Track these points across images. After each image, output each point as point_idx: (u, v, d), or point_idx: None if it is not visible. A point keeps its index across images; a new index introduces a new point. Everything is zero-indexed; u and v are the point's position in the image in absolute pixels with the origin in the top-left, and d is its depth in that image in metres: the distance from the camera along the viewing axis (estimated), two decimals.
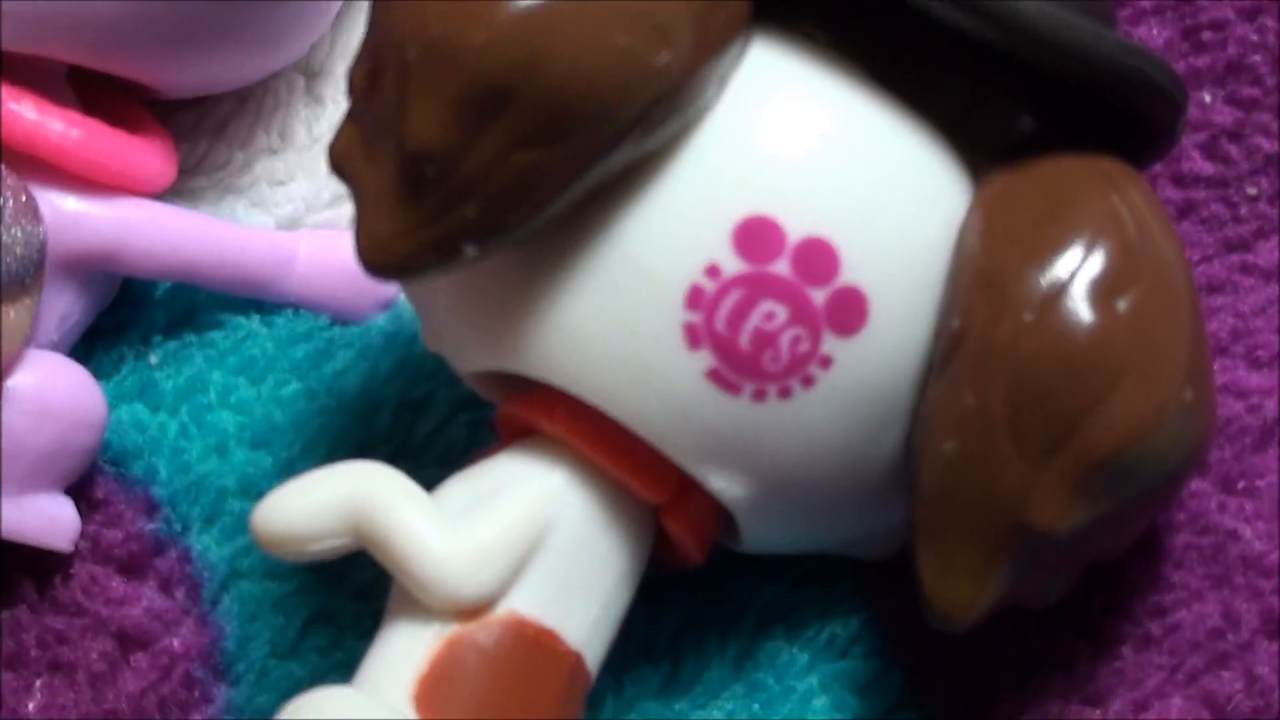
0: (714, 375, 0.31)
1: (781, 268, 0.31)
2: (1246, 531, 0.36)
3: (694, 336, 0.31)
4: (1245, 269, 0.37)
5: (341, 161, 0.31)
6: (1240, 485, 0.36)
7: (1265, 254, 0.38)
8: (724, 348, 0.31)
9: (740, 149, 0.31)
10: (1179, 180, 0.37)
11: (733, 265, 0.31)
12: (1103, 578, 0.36)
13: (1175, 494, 0.34)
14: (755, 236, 0.31)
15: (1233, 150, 0.38)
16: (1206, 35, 0.38)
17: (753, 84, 0.32)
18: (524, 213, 0.30)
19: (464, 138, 0.30)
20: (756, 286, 0.31)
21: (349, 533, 0.31)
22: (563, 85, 0.29)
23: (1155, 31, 0.39)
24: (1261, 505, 0.36)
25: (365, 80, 0.31)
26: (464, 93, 0.29)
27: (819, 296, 0.31)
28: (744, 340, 0.31)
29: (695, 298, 0.31)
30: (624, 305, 0.31)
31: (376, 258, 0.31)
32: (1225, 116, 0.38)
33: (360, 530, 0.31)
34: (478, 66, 0.29)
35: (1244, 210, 0.38)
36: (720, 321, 0.31)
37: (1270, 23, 0.38)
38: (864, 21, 0.32)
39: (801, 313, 0.31)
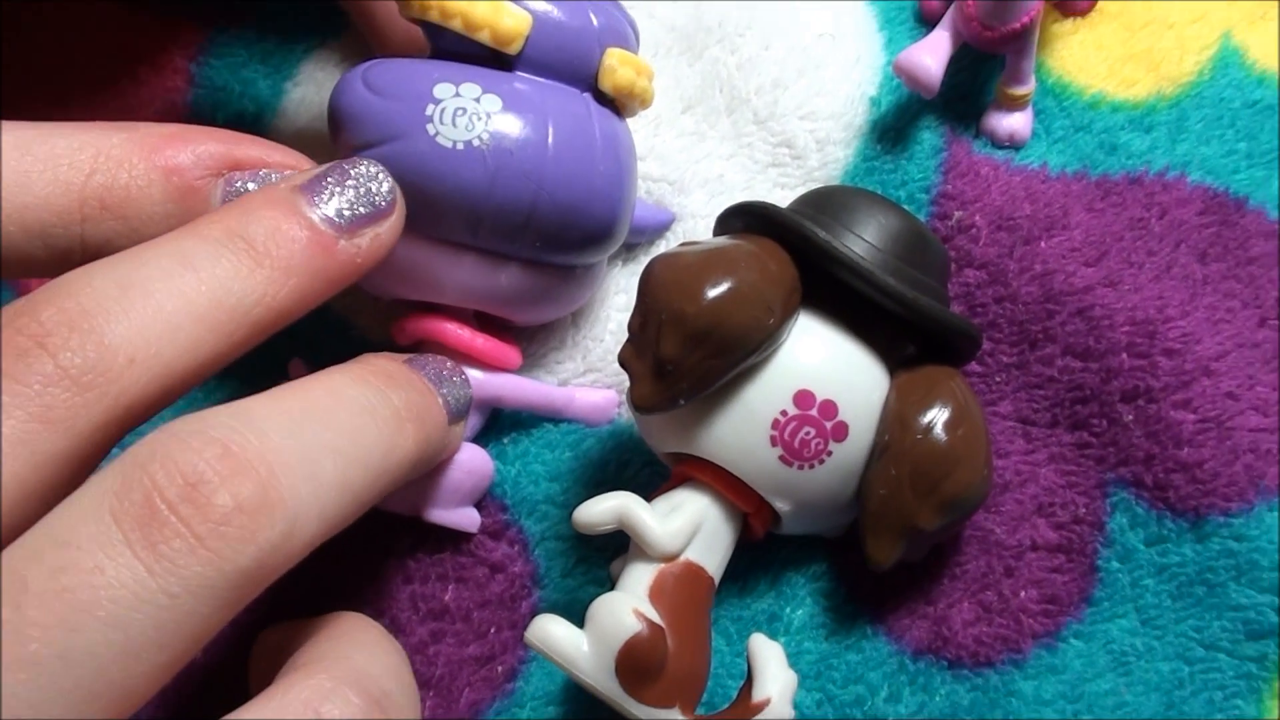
0: (782, 459, 0.32)
1: (814, 412, 0.32)
2: (996, 530, 0.36)
3: (774, 440, 0.32)
4: (995, 415, 0.37)
5: (624, 361, 0.32)
6: (991, 509, 0.36)
7: (1004, 408, 0.37)
8: (787, 446, 0.32)
9: (796, 359, 0.32)
10: (964, 374, 0.35)
11: (792, 410, 0.32)
12: (937, 549, 0.36)
13: (974, 514, 0.34)
14: (803, 397, 0.32)
15: (990, 360, 0.38)
16: (978, 310, 0.38)
17: (800, 330, 0.32)
18: (706, 387, 0.31)
19: (683, 354, 0.31)
20: (802, 421, 0.32)
21: (615, 523, 0.32)
22: (729, 333, 0.30)
23: (957, 306, 0.38)
24: (1002, 519, 0.36)
25: (638, 324, 0.32)
26: (685, 335, 0.31)
27: (829, 425, 0.32)
28: (796, 443, 0.32)
29: (775, 424, 0.32)
30: (743, 424, 0.32)
31: (642, 404, 0.32)
32: (987, 346, 0.37)
33: (621, 521, 0.32)
34: (692, 324, 0.30)
35: (994, 387, 0.37)
36: (786, 434, 0.32)
37: (1009, 305, 0.37)
38: (844, 300, 0.32)
39: (821, 432, 0.32)
